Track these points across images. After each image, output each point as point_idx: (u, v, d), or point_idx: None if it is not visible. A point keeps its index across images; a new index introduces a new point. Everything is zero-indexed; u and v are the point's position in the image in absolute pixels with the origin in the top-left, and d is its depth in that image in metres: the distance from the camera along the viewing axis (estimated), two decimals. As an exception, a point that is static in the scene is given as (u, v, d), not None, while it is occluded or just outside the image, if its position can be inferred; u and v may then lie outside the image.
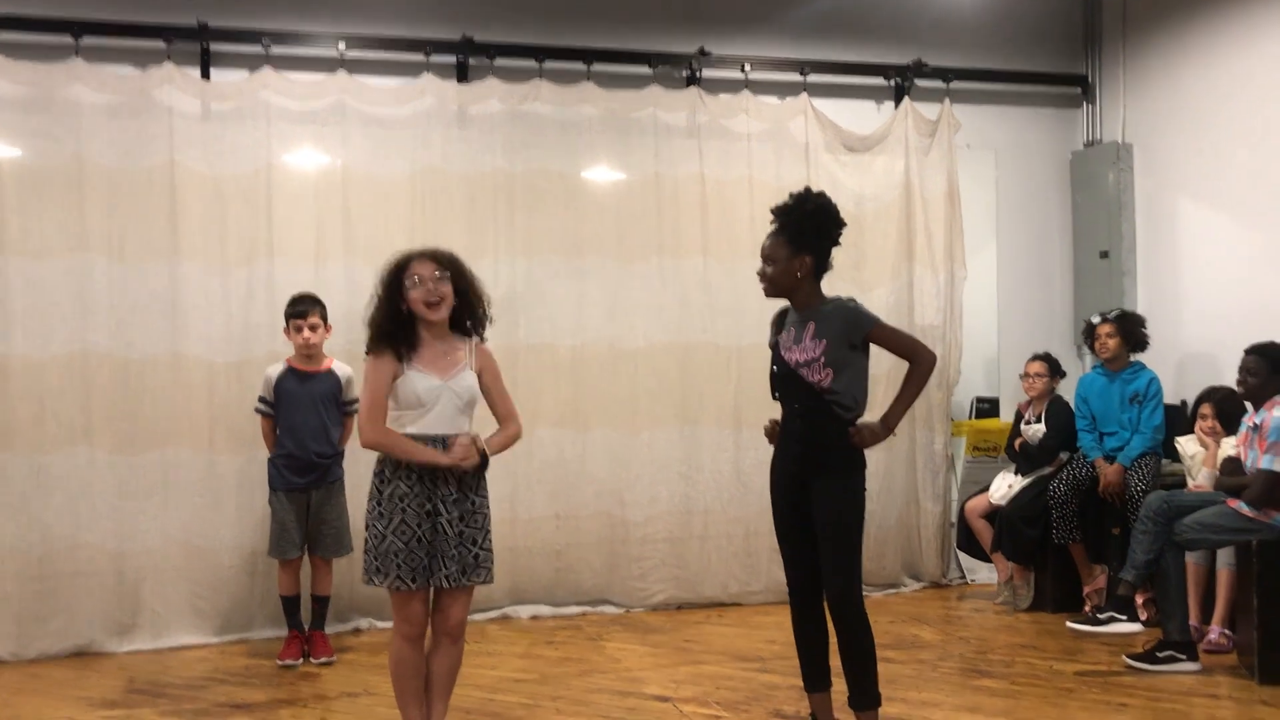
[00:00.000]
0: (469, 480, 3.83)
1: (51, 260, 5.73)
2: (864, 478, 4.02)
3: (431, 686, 3.92)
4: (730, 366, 6.58)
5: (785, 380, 4.01)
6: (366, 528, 3.84)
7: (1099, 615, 5.53)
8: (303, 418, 5.51)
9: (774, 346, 4.12)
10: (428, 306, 3.80)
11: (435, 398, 3.79)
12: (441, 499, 3.78)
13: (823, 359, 3.88)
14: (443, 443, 3.77)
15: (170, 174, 5.87)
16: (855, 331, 3.92)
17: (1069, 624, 5.53)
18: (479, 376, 3.91)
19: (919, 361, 3.97)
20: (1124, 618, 5.42)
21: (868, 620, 3.97)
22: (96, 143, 5.79)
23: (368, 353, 3.87)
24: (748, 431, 6.42)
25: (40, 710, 4.82)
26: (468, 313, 3.91)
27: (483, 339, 3.97)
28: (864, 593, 6.45)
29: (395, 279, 3.84)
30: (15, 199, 5.70)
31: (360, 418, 3.85)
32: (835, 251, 6.72)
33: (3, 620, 5.58)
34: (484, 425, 3.96)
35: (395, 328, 3.82)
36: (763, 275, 4.02)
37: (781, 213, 3.99)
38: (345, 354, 5.97)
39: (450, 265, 3.86)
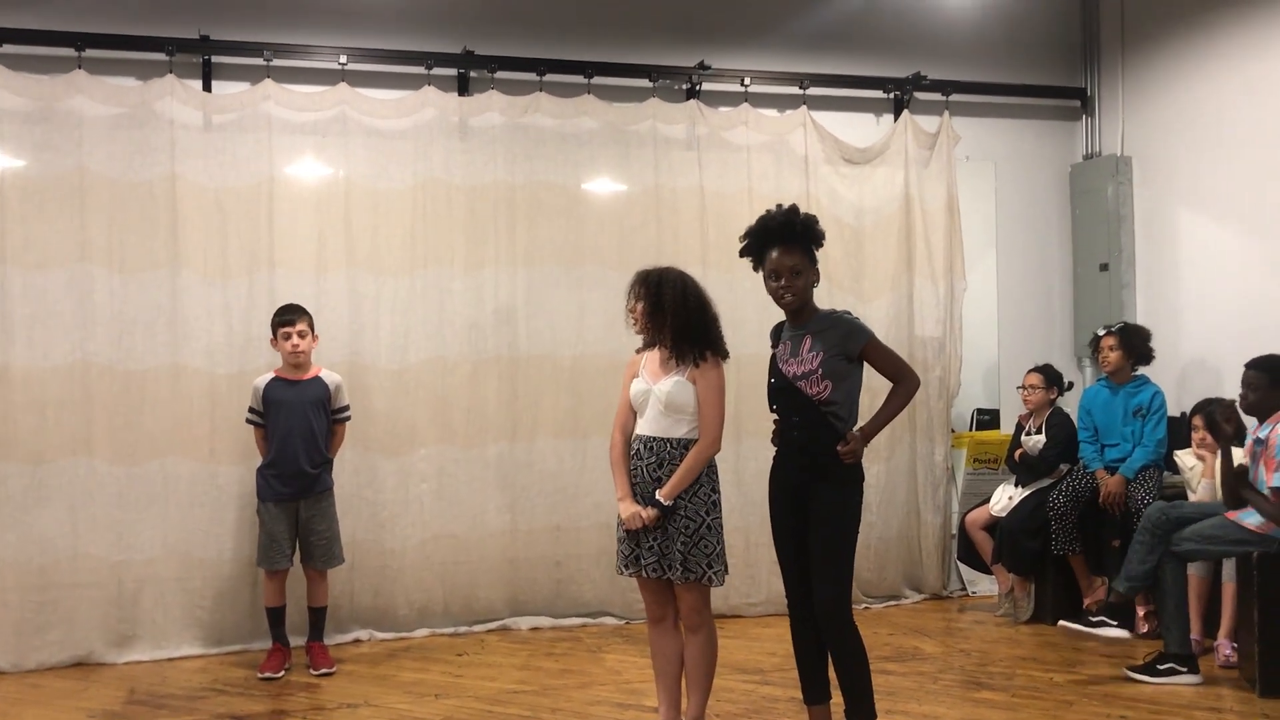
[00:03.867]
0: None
1: (53, 271, 5.72)
2: (861, 490, 4.04)
3: (685, 675, 4.25)
4: (730, 377, 6.47)
5: (782, 393, 4.03)
6: None
7: (1091, 618, 5.52)
8: (292, 425, 5.50)
9: (771, 359, 4.13)
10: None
11: (644, 401, 4.18)
12: (646, 500, 4.13)
13: (820, 371, 3.91)
14: (650, 444, 4.14)
15: (171, 185, 5.87)
16: (853, 344, 3.95)
17: (1061, 621, 5.51)
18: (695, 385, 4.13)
19: (905, 383, 4.01)
20: (1114, 623, 5.40)
21: (858, 632, 3.95)
22: (98, 154, 5.79)
23: None
24: (748, 441, 6.40)
25: (39, 721, 4.81)
26: (681, 330, 4.13)
27: (701, 356, 4.13)
28: (865, 605, 6.64)
29: None
30: (17, 210, 5.70)
31: None
32: (837, 263, 6.77)
33: (2, 630, 5.56)
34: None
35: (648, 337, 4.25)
36: (789, 289, 3.97)
37: (786, 228, 3.98)
38: (347, 365, 6.00)
39: (646, 285, 4.16)
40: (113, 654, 5.69)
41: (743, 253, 4.10)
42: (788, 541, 4.05)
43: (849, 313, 4.11)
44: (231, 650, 5.84)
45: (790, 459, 4.04)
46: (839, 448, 3.89)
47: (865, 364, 4.02)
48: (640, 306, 4.20)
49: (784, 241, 3.97)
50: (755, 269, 4.11)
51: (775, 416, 4.12)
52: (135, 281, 5.83)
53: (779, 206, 4.07)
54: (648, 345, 4.29)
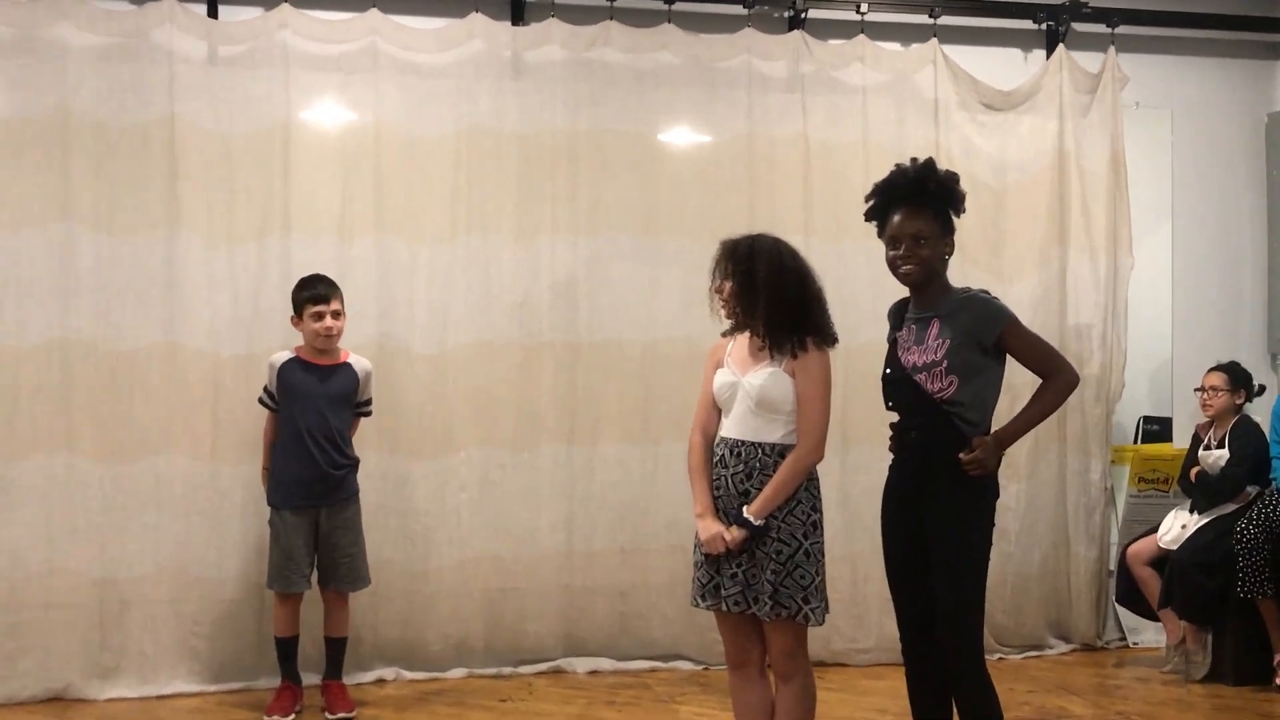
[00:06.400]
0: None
1: (28, 231, 5.79)
2: (994, 508, 4.01)
3: None
4: (836, 370, 6.40)
5: (899, 387, 4.04)
6: None
7: None
8: (308, 420, 5.51)
9: (890, 345, 4.07)
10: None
11: (730, 396, 4.13)
12: (731, 518, 4.08)
13: (945, 363, 3.89)
14: (738, 449, 4.06)
15: (170, 130, 5.92)
16: (987, 330, 3.92)
17: None
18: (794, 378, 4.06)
19: (1056, 379, 3.97)
20: None
21: (990, 680, 3.93)
22: (84, 92, 5.86)
23: None
24: (856, 450, 6.36)
25: (3, 765, 4.88)
26: (777, 312, 4.04)
27: (801, 344, 4.05)
28: (1000, 655, 6.53)
29: None
30: (-11, 158, 5.83)
31: None
32: (971, 232, 6.64)
33: (-35, 657, 5.68)
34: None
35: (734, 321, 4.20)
36: (910, 259, 3.95)
37: (915, 186, 3.97)
38: (374, 347, 6.06)
39: (734, 259, 4.07)
40: (93, 688, 5.76)
41: (868, 216, 4.05)
42: (904, 572, 4.05)
43: (987, 292, 4.06)
44: (233, 688, 5.89)
45: (906, 470, 4.04)
46: (961, 455, 3.80)
47: (1006, 357, 3.93)
48: (729, 286, 4.13)
49: (910, 203, 3.94)
50: (880, 236, 4.06)
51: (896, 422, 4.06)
52: (126, 244, 5.89)
53: (913, 161, 4.03)
54: (735, 329, 4.23)
